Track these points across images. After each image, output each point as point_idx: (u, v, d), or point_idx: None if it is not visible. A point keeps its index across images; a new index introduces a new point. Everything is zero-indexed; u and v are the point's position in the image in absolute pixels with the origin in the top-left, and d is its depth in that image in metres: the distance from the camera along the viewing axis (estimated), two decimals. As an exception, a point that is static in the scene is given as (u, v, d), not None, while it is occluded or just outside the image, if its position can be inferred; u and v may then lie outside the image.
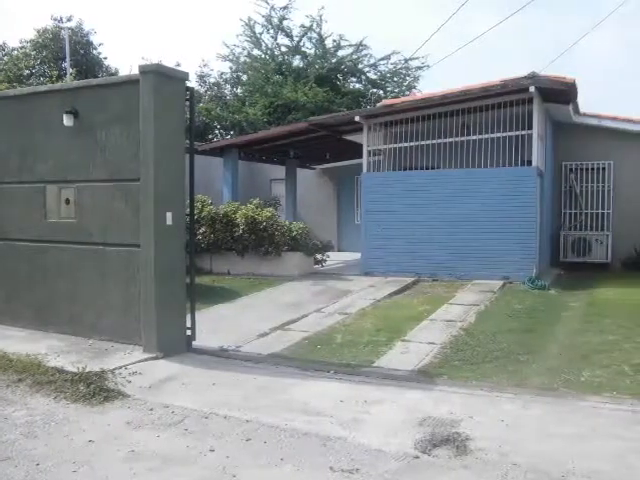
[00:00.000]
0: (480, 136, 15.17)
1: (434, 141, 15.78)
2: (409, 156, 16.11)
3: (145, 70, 8.01)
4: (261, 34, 33.00)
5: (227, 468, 4.79)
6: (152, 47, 61.16)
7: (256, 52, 33.27)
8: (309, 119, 19.46)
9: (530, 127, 14.51)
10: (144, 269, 8.04)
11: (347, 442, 5.26)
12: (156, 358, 7.85)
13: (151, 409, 6.18)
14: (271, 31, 32.84)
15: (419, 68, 33.12)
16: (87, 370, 7.06)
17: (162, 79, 7.99)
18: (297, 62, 32.89)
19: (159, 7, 63.48)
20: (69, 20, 32.68)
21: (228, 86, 35.64)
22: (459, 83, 31.29)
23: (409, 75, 33.52)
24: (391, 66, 33.28)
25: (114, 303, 8.58)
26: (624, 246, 17.39)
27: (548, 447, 5.10)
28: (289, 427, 5.61)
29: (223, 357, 8.26)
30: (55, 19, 32.73)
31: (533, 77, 13.93)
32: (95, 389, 6.61)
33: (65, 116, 8.66)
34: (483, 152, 15.11)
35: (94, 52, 33.62)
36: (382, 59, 32.90)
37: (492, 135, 15.02)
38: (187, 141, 8.56)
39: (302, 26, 32.40)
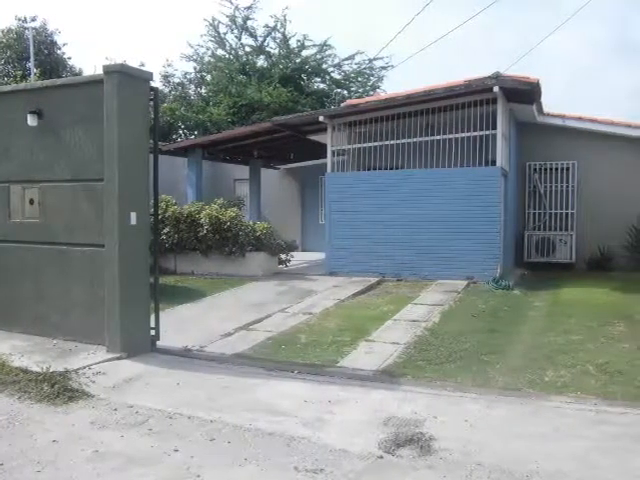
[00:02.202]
0: (444, 136, 15.28)
1: (398, 141, 15.87)
2: (373, 156, 16.21)
3: (109, 70, 7.95)
4: (225, 34, 33.08)
5: (191, 468, 4.79)
6: (116, 47, 60.75)
7: (220, 52, 33.32)
8: (273, 119, 19.42)
9: (494, 127, 14.65)
10: (108, 269, 7.99)
11: (311, 442, 5.27)
12: (120, 358, 7.81)
13: (115, 409, 6.15)
14: (235, 31, 32.91)
15: (383, 68, 33.41)
16: (51, 370, 7.01)
17: (126, 79, 7.94)
18: (261, 62, 32.95)
19: (123, 7, 63.05)
20: (33, 20, 32.37)
21: (192, 86, 35.53)
22: (423, 83, 31.56)
23: (373, 75, 33.75)
24: (355, 66, 33.50)
25: (78, 303, 8.51)
26: (588, 246, 17.56)
27: (512, 447, 5.15)
28: (253, 427, 5.62)
29: (187, 357, 8.23)
30: (19, 19, 32.44)
31: (497, 77, 14.04)
32: (59, 389, 6.56)
33: (29, 116, 8.58)
34: (447, 152, 15.23)
35: (58, 52, 33.35)
36: (346, 59, 33.10)
37: (456, 135, 15.14)
38: (151, 141, 8.53)
39: (266, 26, 32.53)
